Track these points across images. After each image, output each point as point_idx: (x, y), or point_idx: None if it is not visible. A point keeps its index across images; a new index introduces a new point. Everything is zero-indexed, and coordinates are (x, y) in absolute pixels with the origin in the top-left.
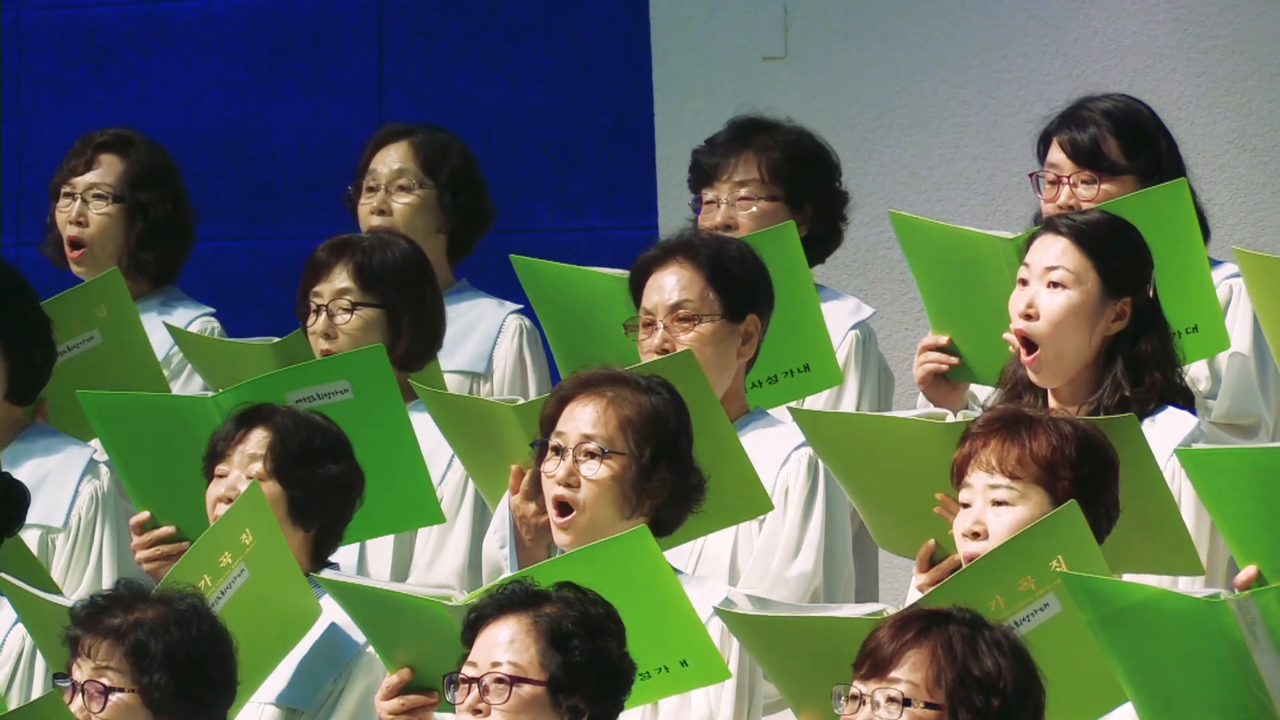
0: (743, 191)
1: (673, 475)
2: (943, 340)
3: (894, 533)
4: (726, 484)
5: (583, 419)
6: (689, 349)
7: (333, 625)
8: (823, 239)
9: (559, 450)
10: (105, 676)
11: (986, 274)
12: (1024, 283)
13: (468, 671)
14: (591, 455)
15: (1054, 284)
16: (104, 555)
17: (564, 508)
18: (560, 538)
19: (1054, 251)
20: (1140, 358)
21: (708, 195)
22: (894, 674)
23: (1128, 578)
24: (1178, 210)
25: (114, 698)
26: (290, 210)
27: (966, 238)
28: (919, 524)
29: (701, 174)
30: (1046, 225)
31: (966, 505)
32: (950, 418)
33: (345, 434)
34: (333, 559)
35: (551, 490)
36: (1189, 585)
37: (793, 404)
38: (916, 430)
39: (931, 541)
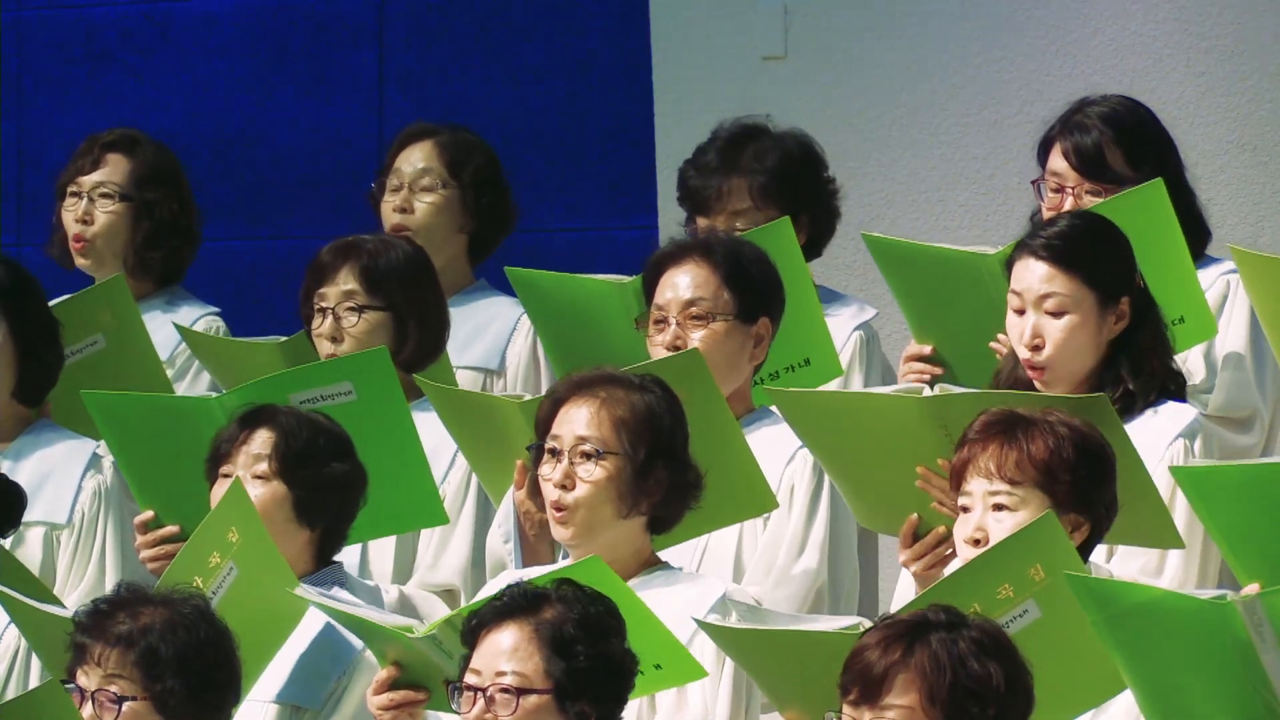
0: (739, 222)
1: (669, 473)
2: (926, 350)
3: (876, 511)
4: (731, 482)
5: (577, 421)
6: (696, 348)
7: (329, 624)
8: (820, 235)
9: (555, 453)
10: (115, 685)
11: (967, 287)
12: (1018, 311)
13: (471, 680)
14: (587, 456)
15: (1051, 311)
16: (108, 550)
17: (562, 509)
18: (560, 532)
19: (1040, 277)
20: (1141, 350)
21: (703, 223)
22: (887, 699)
23: (1115, 557)
24: (1156, 209)
25: (126, 706)
26: (290, 210)
27: (943, 255)
28: (901, 500)
29: (694, 203)
30: (1022, 248)
31: (966, 510)
32: (926, 391)
33: (348, 433)
34: (335, 558)
35: (549, 493)
36: (1180, 577)
37: (770, 385)
38: (894, 405)
39: (914, 516)
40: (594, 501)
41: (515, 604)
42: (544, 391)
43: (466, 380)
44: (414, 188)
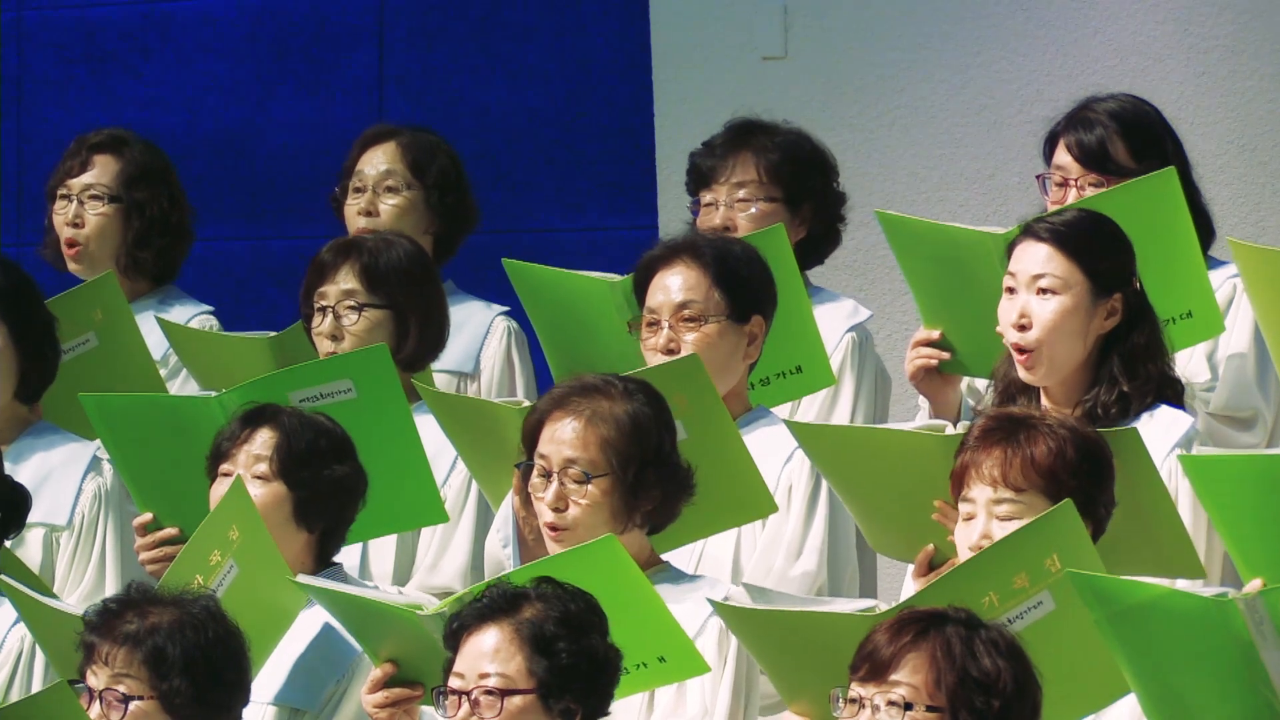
0: (741, 193)
1: (660, 482)
2: (934, 335)
3: (890, 538)
4: (730, 486)
5: (563, 440)
6: (695, 354)
7: (328, 626)
8: (821, 240)
9: (545, 473)
10: (123, 684)
11: (977, 269)
12: (1011, 291)
13: (455, 684)
14: (577, 481)
15: (1043, 290)
16: (107, 552)
17: (558, 530)
18: (556, 550)
19: (1038, 258)
20: (1134, 351)
21: (706, 197)
22: (894, 677)
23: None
24: (1167, 198)
25: (133, 705)
26: (290, 210)
27: (955, 235)
28: (917, 530)
29: (699, 176)
30: (1025, 231)
31: (969, 518)
32: (949, 429)
33: (349, 436)
34: (335, 559)
35: (543, 514)
36: (1188, 584)
37: (790, 417)
38: (915, 442)
39: (931, 546)
40: (589, 522)
41: (495, 605)
42: (519, 393)
43: (441, 384)
44: (378, 189)
